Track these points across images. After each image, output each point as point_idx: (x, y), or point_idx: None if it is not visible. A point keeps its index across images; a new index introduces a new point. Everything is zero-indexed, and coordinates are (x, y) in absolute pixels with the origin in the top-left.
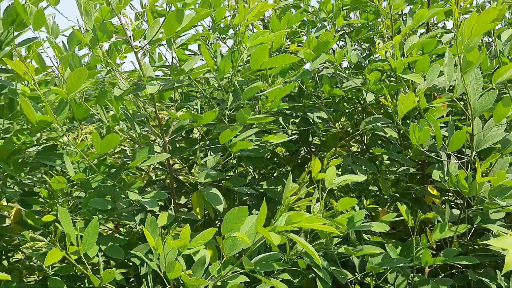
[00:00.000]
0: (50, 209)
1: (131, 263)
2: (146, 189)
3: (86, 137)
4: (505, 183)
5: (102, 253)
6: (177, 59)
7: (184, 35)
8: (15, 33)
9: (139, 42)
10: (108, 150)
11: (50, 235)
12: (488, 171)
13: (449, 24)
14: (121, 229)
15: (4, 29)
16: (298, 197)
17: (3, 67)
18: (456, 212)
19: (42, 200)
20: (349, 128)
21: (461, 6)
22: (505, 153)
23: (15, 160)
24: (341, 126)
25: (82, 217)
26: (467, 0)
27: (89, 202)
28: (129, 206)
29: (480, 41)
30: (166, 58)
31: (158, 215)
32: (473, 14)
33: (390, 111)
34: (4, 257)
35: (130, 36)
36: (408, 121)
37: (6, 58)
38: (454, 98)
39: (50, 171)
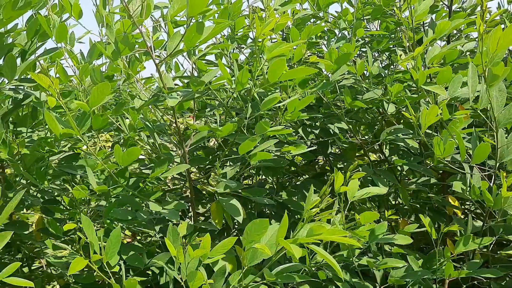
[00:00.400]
0: (71, 217)
1: (149, 272)
2: (166, 198)
3: (104, 145)
4: None
5: (122, 262)
6: (197, 69)
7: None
8: (38, 44)
9: (159, 52)
10: (130, 162)
11: (72, 243)
12: None
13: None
14: (138, 237)
15: (28, 39)
16: (319, 210)
17: (27, 76)
18: (478, 223)
19: (64, 208)
20: (368, 137)
21: (488, 15)
22: None
23: (38, 169)
24: (360, 136)
25: (101, 226)
26: (493, 13)
27: (110, 211)
28: (149, 215)
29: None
30: (183, 67)
31: (177, 224)
32: (499, 28)
33: (412, 122)
34: (25, 264)
35: (151, 48)
36: (430, 132)
37: (31, 71)
38: (478, 110)
39: (71, 180)
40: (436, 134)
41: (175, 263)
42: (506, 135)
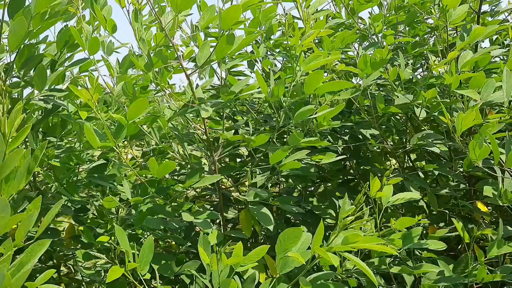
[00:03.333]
0: (100, 225)
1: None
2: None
3: (135, 156)
4: None
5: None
6: (226, 79)
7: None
8: (68, 54)
9: (187, 63)
10: (165, 174)
11: (103, 252)
12: None
13: None
14: (161, 243)
15: (57, 50)
16: (354, 218)
17: (56, 87)
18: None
19: (94, 217)
20: (397, 143)
21: None
22: None
23: (68, 181)
24: (390, 142)
25: (129, 234)
26: None
27: (142, 221)
28: (180, 224)
29: None
30: (217, 75)
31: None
32: None
33: (441, 128)
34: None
35: (181, 58)
36: (462, 138)
37: (72, 85)
38: None
39: (101, 189)
40: (467, 138)
41: (206, 271)
42: None
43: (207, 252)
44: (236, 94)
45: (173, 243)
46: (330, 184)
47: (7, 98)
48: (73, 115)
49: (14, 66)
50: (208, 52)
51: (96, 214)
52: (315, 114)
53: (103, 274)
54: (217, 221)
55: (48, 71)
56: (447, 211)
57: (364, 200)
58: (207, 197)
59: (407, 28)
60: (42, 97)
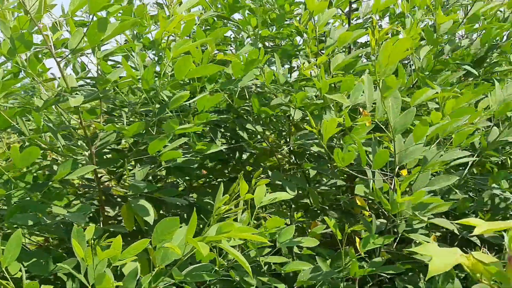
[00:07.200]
0: None
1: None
2: (74, 202)
3: (8, 147)
4: (425, 201)
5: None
6: (101, 69)
7: (107, 43)
8: None
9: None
10: (29, 164)
11: None
12: (411, 184)
13: None
14: (52, 241)
15: None
16: (228, 208)
17: None
18: (382, 221)
19: None
20: (278, 142)
21: (379, 29)
22: (425, 169)
23: None
24: (271, 142)
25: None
26: (383, 29)
27: (11, 217)
28: (54, 220)
29: None
30: (89, 68)
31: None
32: (389, 44)
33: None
34: None
35: (51, 45)
36: (334, 140)
37: None
38: (376, 120)
39: None
40: (339, 142)
41: (81, 266)
42: (404, 139)
43: (82, 246)
44: (112, 82)
45: (51, 241)
46: (214, 180)
47: None
48: None
49: None
50: (81, 39)
51: None
52: (192, 100)
53: None
54: (101, 218)
55: None
56: (327, 207)
57: (238, 192)
58: (87, 195)
59: (275, 30)
60: None
